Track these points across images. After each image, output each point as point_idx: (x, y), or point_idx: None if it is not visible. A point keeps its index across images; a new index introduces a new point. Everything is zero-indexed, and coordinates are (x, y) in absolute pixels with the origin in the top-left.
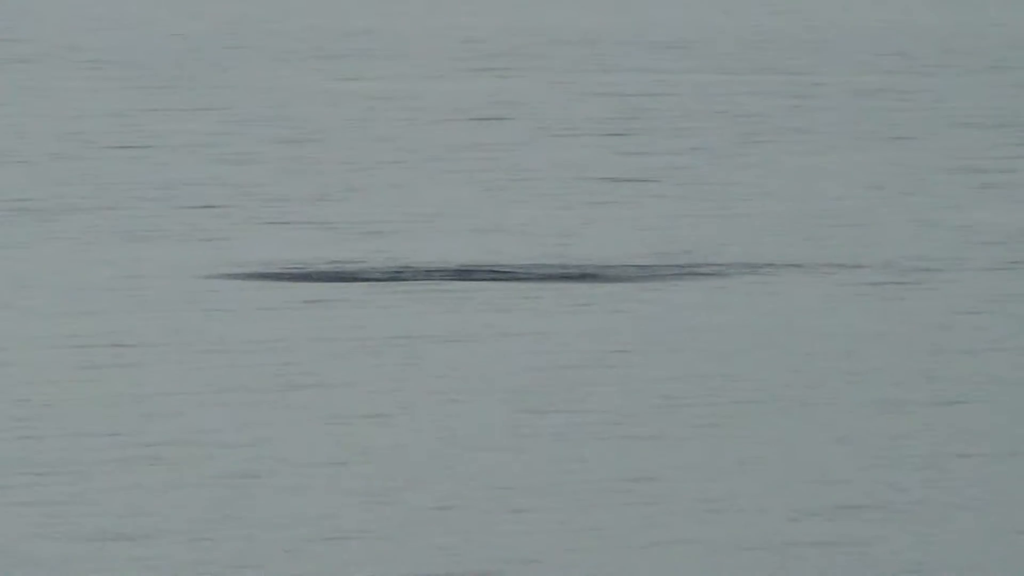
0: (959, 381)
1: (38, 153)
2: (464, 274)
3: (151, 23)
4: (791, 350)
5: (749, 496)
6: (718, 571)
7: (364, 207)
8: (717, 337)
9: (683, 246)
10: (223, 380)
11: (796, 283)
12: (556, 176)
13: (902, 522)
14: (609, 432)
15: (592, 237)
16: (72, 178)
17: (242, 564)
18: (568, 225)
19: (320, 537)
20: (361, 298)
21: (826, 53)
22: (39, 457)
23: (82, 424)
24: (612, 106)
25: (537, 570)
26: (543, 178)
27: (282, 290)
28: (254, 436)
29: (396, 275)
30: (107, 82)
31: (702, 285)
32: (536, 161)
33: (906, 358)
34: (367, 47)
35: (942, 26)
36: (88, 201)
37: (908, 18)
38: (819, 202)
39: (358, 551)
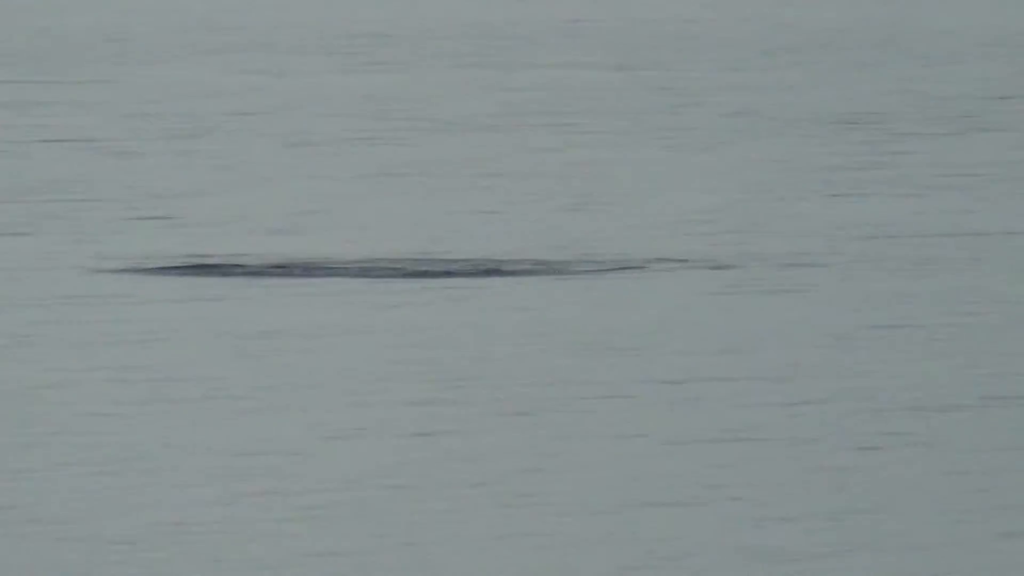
0: (838, 376)
1: None
2: (345, 269)
3: (29, 16)
4: (667, 348)
5: (596, 492)
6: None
7: (246, 202)
8: (593, 334)
9: (560, 243)
10: (100, 374)
11: (671, 281)
12: (440, 171)
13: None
14: (482, 426)
15: (473, 233)
16: None
17: (114, 561)
18: (451, 221)
19: (192, 529)
20: (240, 293)
21: (702, 49)
22: None
23: None
24: (496, 101)
25: (380, 557)
26: (427, 173)
27: (162, 285)
28: (132, 429)
29: (277, 270)
30: None
31: (579, 283)
32: (421, 156)
33: (784, 353)
34: (254, 41)
35: (828, 21)
36: None
37: (790, 12)
38: (693, 199)
39: (223, 544)
